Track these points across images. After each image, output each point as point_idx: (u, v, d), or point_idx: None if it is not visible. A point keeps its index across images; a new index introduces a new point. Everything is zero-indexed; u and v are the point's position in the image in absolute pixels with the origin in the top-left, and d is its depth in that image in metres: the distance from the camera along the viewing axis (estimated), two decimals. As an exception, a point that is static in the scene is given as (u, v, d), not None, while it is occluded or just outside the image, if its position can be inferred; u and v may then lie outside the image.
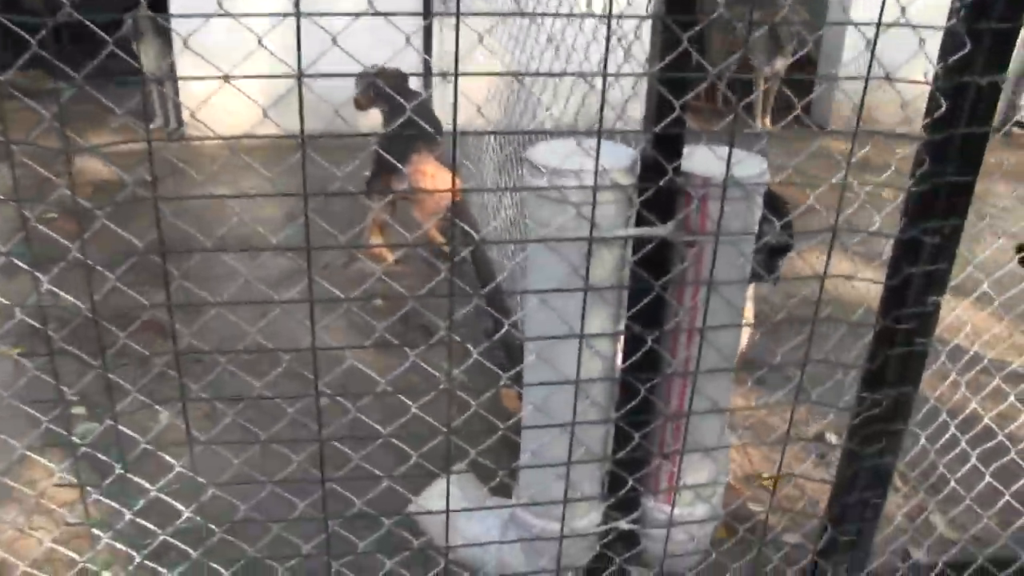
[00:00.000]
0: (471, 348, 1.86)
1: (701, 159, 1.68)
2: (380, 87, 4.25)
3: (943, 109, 1.62)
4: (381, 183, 4.18)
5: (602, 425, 1.85)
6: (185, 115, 6.33)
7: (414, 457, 1.74)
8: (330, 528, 1.70)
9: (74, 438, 1.53)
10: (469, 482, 2.32)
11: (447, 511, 1.75)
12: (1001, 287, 2.70)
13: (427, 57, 5.57)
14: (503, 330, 1.75)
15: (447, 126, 4.66)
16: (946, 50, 1.56)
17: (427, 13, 5.87)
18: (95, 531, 1.72)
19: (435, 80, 5.50)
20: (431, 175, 4.15)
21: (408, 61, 4.44)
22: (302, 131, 1.32)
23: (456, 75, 1.23)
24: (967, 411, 2.54)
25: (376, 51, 4.24)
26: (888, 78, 1.52)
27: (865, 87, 1.58)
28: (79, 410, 3.08)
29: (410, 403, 1.67)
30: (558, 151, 1.67)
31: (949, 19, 1.52)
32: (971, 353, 2.65)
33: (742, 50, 5.98)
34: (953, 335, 3.03)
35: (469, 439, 1.82)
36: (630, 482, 1.87)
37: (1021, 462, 2.56)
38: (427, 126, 4.19)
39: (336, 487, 1.70)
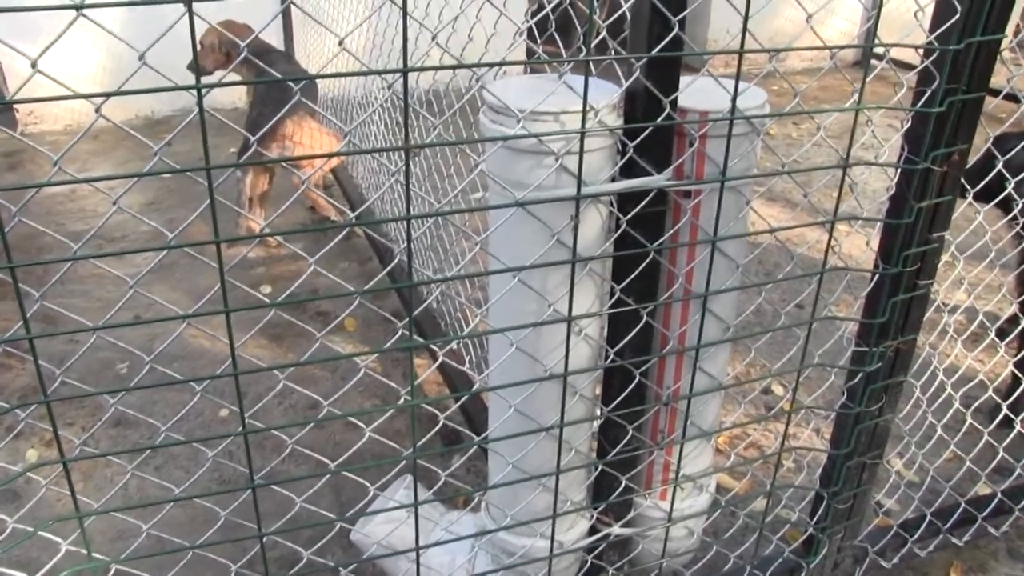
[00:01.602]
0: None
1: (692, 92, 1.37)
2: (236, 47, 3.79)
3: (958, 16, 1.38)
4: (254, 156, 3.74)
5: (587, 422, 1.55)
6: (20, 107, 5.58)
7: (371, 490, 1.39)
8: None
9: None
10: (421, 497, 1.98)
11: (416, 548, 1.41)
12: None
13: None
14: (476, 320, 1.40)
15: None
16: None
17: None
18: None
19: (295, 31, 5.03)
20: (308, 145, 3.73)
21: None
22: (198, 79, 0.94)
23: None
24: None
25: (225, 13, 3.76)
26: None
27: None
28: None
29: (363, 425, 1.32)
30: (526, 89, 1.33)
31: None
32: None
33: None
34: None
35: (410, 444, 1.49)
36: (623, 482, 1.58)
37: (998, 399, 2.42)
38: (304, 88, 3.77)
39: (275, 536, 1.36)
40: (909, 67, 1.55)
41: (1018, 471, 2.31)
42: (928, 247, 1.59)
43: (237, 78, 4.07)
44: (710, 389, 1.61)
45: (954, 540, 2.18)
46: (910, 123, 1.50)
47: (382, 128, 3.46)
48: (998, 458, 2.30)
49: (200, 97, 0.94)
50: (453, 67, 1.11)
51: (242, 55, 1.05)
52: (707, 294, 1.42)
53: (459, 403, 2.50)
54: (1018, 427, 2.28)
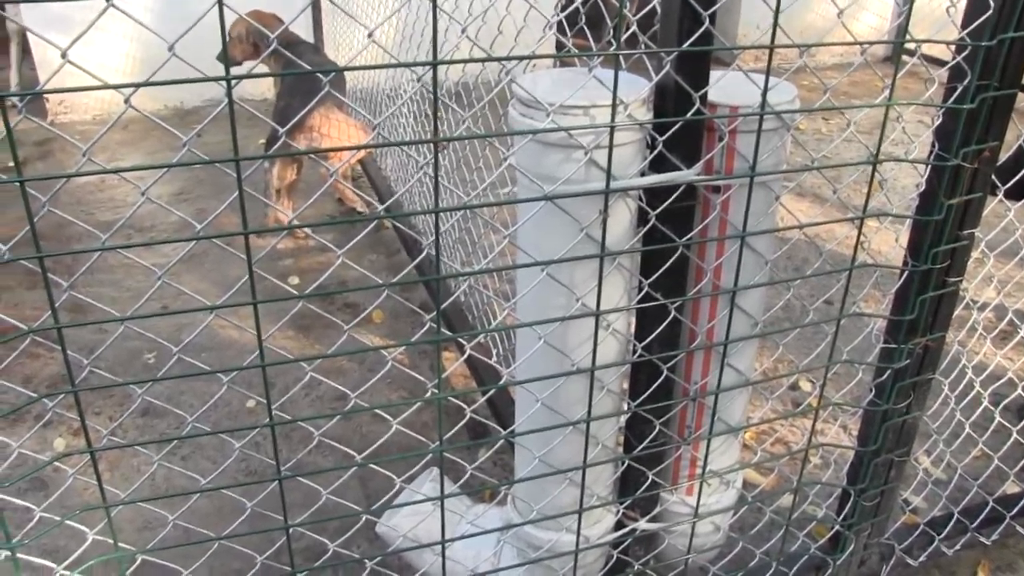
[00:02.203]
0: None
1: (721, 86, 1.37)
2: (264, 38, 3.80)
3: (990, 11, 1.36)
4: (281, 147, 3.74)
5: (614, 416, 1.55)
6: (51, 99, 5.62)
7: (397, 483, 1.40)
8: (299, 581, 1.36)
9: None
10: (447, 490, 1.98)
11: (442, 541, 1.42)
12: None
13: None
14: (503, 314, 1.40)
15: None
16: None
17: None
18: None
19: (324, 23, 5.04)
20: (336, 137, 3.74)
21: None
22: (227, 70, 0.95)
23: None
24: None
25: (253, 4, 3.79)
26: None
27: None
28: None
29: (390, 417, 1.32)
30: (555, 83, 1.33)
31: None
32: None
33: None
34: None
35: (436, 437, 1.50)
36: (650, 477, 1.57)
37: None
38: (332, 80, 3.78)
39: (300, 527, 1.37)
40: (940, 63, 1.53)
41: (1048, 470, 2.29)
42: (958, 244, 1.57)
43: (265, 69, 4.09)
44: (737, 385, 1.60)
45: (982, 539, 2.16)
46: (941, 119, 1.48)
47: (411, 120, 3.47)
48: (1027, 457, 2.28)
49: (229, 88, 0.95)
50: (483, 60, 1.11)
51: (271, 47, 1.05)
52: (735, 289, 1.41)
53: (486, 396, 2.51)
54: (1048, 426, 2.25)
